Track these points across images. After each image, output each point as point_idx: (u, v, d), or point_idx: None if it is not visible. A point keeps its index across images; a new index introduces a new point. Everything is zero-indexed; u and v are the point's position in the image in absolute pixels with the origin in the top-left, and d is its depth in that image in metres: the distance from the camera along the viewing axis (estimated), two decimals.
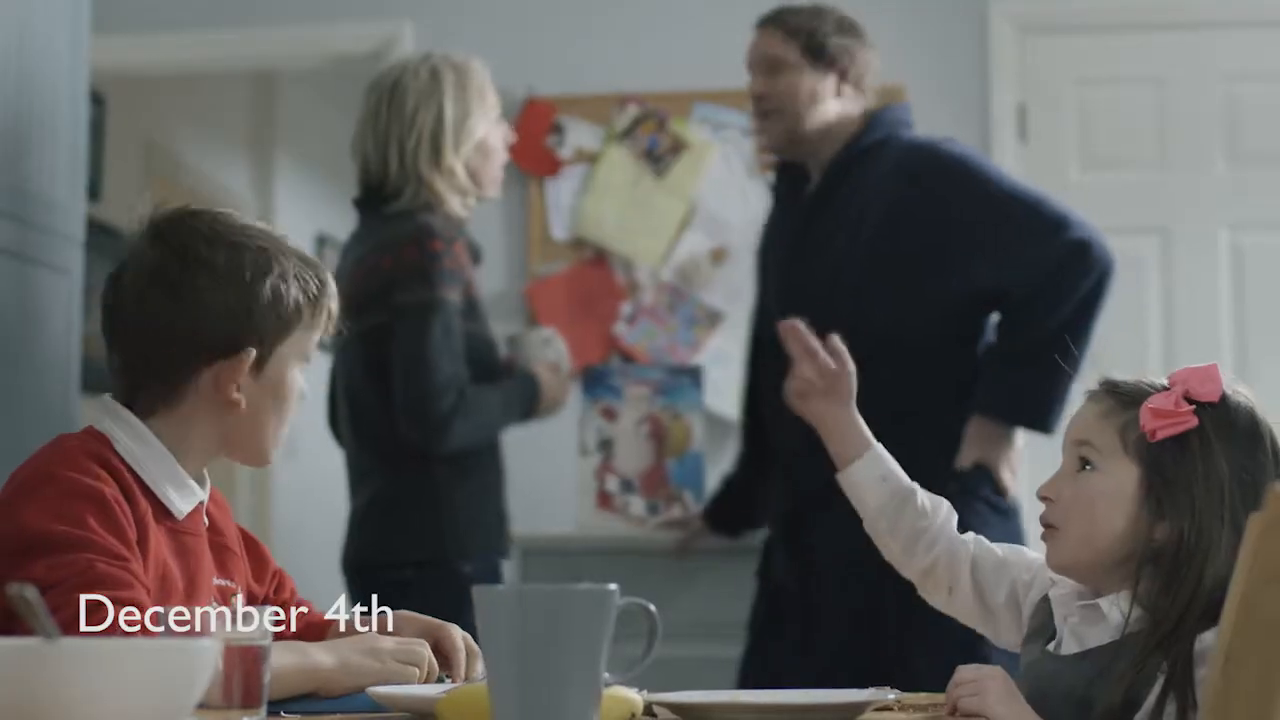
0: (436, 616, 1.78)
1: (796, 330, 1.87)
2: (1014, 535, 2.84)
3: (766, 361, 2.97)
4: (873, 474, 1.84)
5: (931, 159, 2.88)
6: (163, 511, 1.64)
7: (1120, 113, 4.18)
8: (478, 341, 2.81)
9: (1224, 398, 1.61)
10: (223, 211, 1.71)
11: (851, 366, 1.86)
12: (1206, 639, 1.50)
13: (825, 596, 2.83)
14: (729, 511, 3.28)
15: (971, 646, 2.74)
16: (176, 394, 1.66)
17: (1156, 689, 1.51)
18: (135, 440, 1.64)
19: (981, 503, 2.80)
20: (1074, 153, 4.19)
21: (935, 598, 1.81)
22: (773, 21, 2.97)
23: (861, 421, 1.86)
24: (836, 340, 1.86)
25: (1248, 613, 1.24)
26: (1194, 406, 1.60)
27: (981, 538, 1.80)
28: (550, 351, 2.98)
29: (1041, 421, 2.85)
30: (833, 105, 2.92)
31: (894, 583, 2.69)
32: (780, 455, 2.95)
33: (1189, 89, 4.16)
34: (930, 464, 2.75)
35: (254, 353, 1.66)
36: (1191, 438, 1.59)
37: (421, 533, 2.76)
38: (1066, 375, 2.81)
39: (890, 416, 2.76)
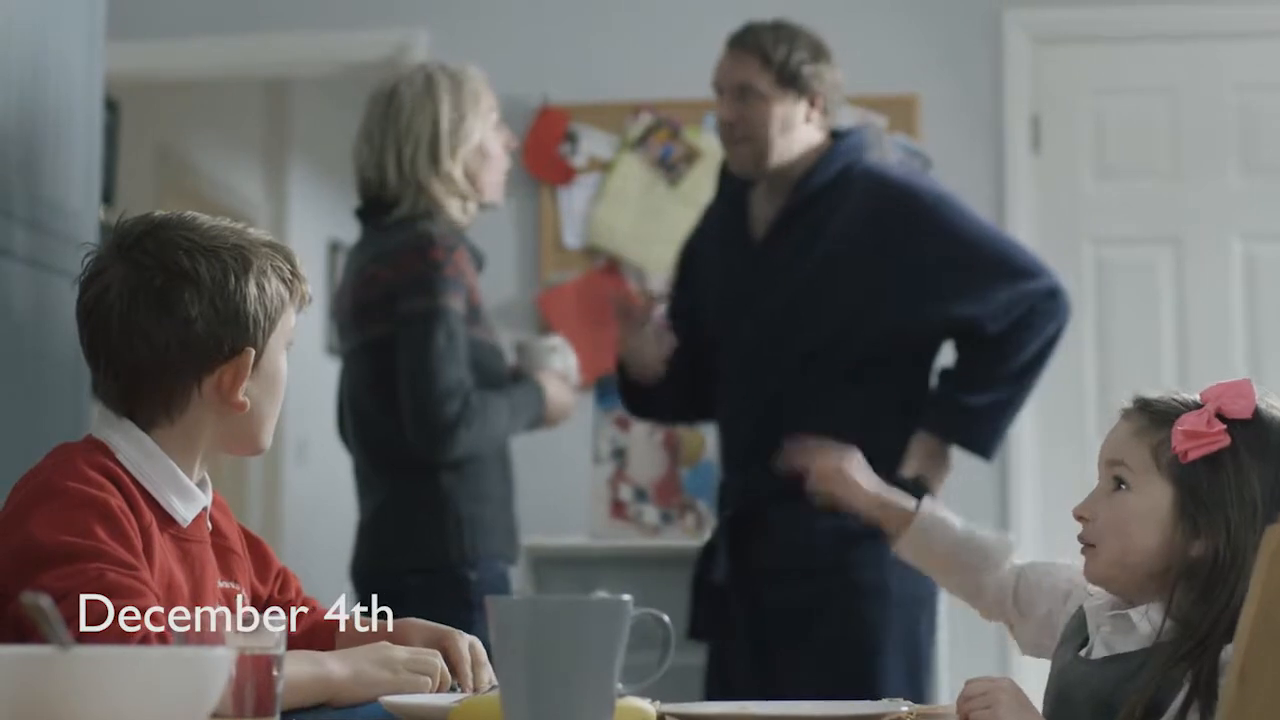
0: (443, 624, 1.78)
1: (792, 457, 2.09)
2: None
3: (718, 361, 3.01)
4: (918, 551, 1.92)
5: (912, 196, 2.92)
6: (166, 520, 1.63)
7: (1133, 123, 4.18)
8: (482, 348, 2.81)
9: (1257, 413, 1.61)
10: (186, 216, 1.71)
11: (840, 454, 2.04)
12: (1231, 649, 1.51)
13: (767, 599, 2.87)
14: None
15: (915, 648, 2.85)
16: (178, 405, 1.66)
17: (1181, 696, 1.52)
18: (137, 449, 1.64)
19: None
20: (1087, 163, 4.19)
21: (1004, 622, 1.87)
22: (746, 45, 2.94)
23: (891, 495, 1.99)
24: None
25: (1264, 626, 1.23)
26: (1226, 424, 1.60)
27: (1035, 561, 1.85)
28: (558, 360, 2.97)
29: (985, 447, 2.99)
30: (801, 132, 2.94)
31: (835, 584, 2.80)
32: (728, 459, 3.01)
33: (1202, 99, 4.15)
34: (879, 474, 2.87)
35: (253, 353, 1.66)
36: (1224, 456, 1.59)
37: (427, 540, 2.75)
38: (1016, 408, 2.98)
39: (843, 429, 2.82)
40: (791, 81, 2.91)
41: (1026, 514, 4.07)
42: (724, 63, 2.97)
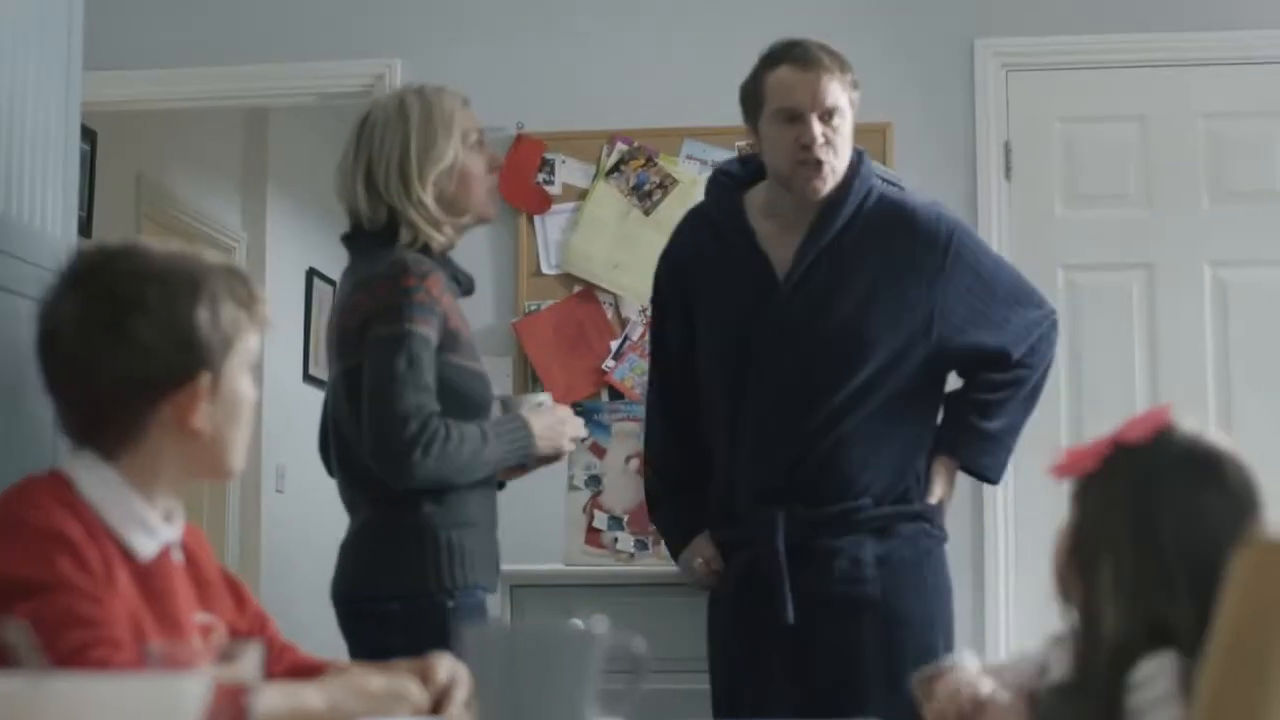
0: (419, 650, 1.79)
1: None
2: (946, 565, 2.99)
3: (731, 394, 2.95)
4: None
5: (940, 229, 2.94)
6: (127, 555, 1.62)
7: (1105, 150, 4.21)
8: (464, 374, 2.78)
9: (1120, 446, 1.62)
10: (138, 244, 1.70)
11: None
12: (1140, 673, 1.49)
13: (813, 634, 2.85)
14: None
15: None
16: (136, 434, 1.65)
17: None
18: (99, 483, 1.63)
19: (935, 536, 2.97)
20: (1059, 189, 4.22)
21: None
22: (836, 63, 2.88)
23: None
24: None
25: (1235, 649, 1.24)
26: (1110, 452, 1.61)
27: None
28: (544, 414, 2.93)
29: (998, 472, 3.07)
30: None
31: (876, 619, 2.79)
32: (755, 495, 2.92)
33: (1173, 126, 4.19)
34: (910, 499, 2.90)
35: (208, 377, 1.65)
36: (1085, 484, 1.63)
37: (407, 567, 2.74)
38: (1020, 432, 3.05)
39: (886, 460, 2.88)
40: (855, 96, 2.92)
41: (1000, 532, 4.08)
42: (817, 82, 2.85)
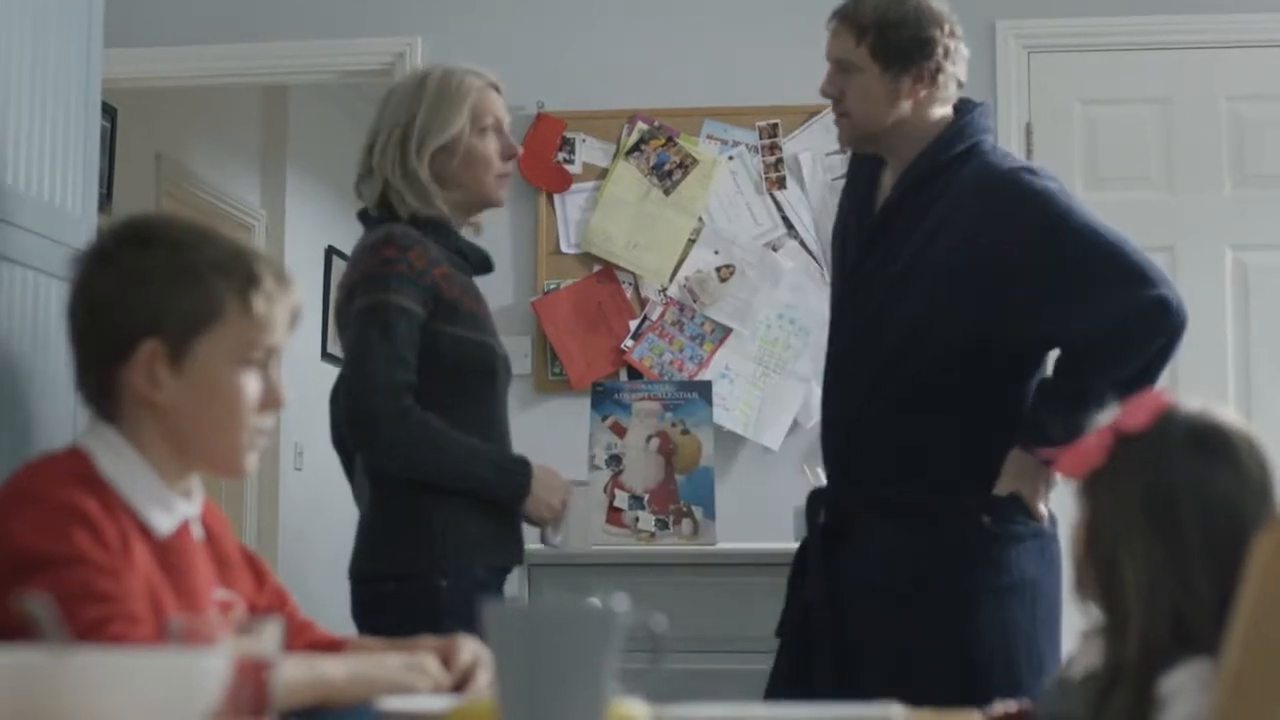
0: (412, 629, 1.79)
1: None
2: (1054, 555, 2.79)
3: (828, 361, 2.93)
4: None
5: (1018, 192, 2.73)
6: (144, 530, 1.62)
7: (1126, 132, 4.19)
8: (463, 344, 2.74)
9: (1124, 434, 1.57)
10: (168, 214, 1.69)
11: None
12: (1170, 684, 1.44)
13: (854, 615, 2.78)
14: None
15: (1004, 670, 2.75)
16: (113, 398, 1.64)
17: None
18: (115, 458, 1.62)
19: (1020, 528, 2.76)
20: (1080, 172, 4.20)
21: None
22: (845, 17, 2.83)
23: None
24: None
25: (1256, 633, 1.24)
26: (1113, 440, 1.56)
27: None
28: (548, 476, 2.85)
29: None
30: (906, 105, 2.79)
31: (921, 604, 2.72)
32: (825, 462, 2.89)
33: (1195, 109, 4.17)
34: (967, 489, 2.73)
35: (156, 347, 1.62)
36: (1094, 478, 1.57)
37: (401, 547, 2.72)
38: None
39: (933, 440, 2.74)
40: (890, 56, 2.78)
41: None
42: (829, 37, 2.87)
